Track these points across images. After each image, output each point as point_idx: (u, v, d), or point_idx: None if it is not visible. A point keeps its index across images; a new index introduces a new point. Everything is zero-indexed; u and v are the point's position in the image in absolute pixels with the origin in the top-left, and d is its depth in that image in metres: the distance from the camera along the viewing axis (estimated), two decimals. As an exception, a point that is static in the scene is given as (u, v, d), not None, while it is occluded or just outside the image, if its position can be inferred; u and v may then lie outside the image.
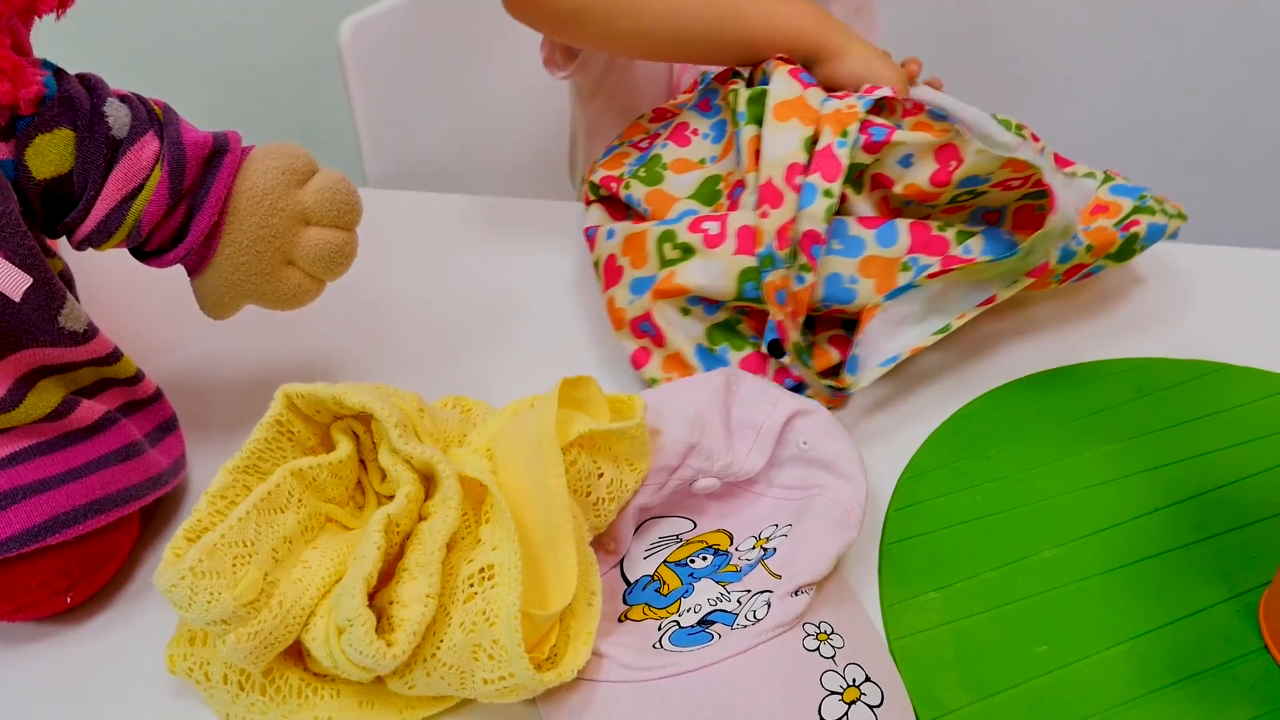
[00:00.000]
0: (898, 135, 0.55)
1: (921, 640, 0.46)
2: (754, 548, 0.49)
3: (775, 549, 0.48)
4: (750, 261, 0.56)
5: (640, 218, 0.62)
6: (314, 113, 1.47)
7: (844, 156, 0.54)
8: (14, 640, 0.48)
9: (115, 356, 0.49)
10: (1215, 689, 0.44)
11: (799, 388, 0.57)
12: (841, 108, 0.56)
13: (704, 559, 0.49)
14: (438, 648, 0.40)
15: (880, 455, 0.56)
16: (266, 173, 0.49)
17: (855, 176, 0.57)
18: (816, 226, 0.54)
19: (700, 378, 0.53)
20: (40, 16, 0.45)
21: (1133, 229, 0.61)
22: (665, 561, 0.49)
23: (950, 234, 0.57)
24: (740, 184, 0.59)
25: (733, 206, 0.58)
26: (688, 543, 0.50)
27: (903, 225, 0.56)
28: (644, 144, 0.68)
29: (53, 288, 0.44)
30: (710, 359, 0.59)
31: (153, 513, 0.53)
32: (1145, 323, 0.67)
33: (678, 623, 0.46)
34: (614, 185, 0.64)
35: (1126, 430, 0.58)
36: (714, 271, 0.56)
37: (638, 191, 0.62)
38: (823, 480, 0.50)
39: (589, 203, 0.67)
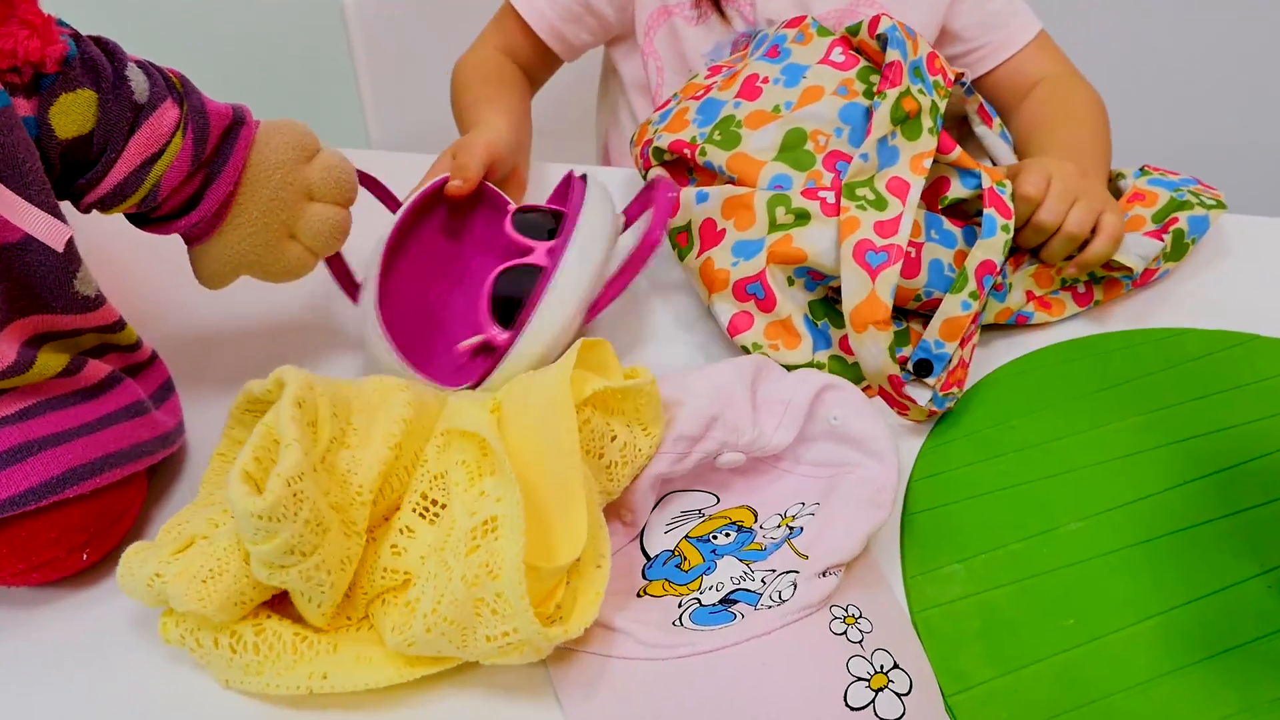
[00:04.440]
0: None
1: (945, 613, 0.46)
2: (779, 526, 0.48)
3: (802, 528, 0.47)
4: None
5: (729, 183, 0.60)
6: (318, 77, 1.45)
7: (1008, 199, 0.58)
8: (29, 603, 0.47)
9: (120, 325, 0.49)
10: (1245, 665, 0.44)
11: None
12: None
13: (727, 535, 0.48)
14: (439, 602, 0.39)
15: (902, 424, 0.55)
16: (278, 147, 0.50)
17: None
18: (995, 257, 0.56)
19: (732, 360, 0.52)
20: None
21: (1172, 227, 0.64)
22: (687, 537, 0.49)
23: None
24: (843, 157, 0.58)
25: (836, 179, 0.57)
26: (710, 518, 0.50)
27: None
28: (700, 95, 0.65)
29: (72, 249, 0.44)
30: (815, 331, 0.57)
31: (156, 475, 0.53)
32: (1173, 293, 0.65)
33: (699, 600, 0.45)
34: (686, 150, 0.62)
35: (1155, 401, 0.57)
36: (830, 239, 0.55)
37: (716, 157, 0.60)
38: (852, 458, 0.49)
39: (649, 166, 0.65)
